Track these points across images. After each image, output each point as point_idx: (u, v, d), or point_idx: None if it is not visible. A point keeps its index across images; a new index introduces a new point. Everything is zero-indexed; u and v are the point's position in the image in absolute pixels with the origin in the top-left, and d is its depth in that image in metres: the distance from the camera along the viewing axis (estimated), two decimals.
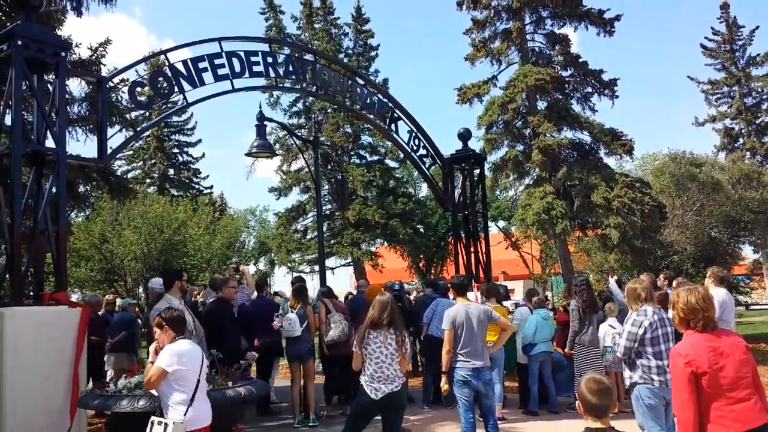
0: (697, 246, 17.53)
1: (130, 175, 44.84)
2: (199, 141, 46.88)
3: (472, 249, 13.40)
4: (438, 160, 13.34)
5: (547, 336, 9.36)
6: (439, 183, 13.61)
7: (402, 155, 27.50)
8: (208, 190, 46.29)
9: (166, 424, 4.40)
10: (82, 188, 11.14)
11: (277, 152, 26.35)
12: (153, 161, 45.15)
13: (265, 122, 12.87)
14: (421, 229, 28.27)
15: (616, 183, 14.94)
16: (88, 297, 11.37)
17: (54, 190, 7.33)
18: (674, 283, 9.55)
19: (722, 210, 18.27)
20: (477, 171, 13.80)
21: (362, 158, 27.51)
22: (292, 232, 27.03)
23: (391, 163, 27.88)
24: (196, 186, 45.66)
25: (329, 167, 26.72)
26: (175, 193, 42.55)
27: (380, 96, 12.51)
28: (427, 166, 13.13)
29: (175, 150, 46.37)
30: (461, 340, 6.37)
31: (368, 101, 12.07)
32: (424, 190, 33.56)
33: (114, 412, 5.25)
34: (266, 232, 42.67)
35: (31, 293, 7.09)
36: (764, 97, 33.15)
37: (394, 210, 25.16)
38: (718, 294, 8.43)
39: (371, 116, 12.31)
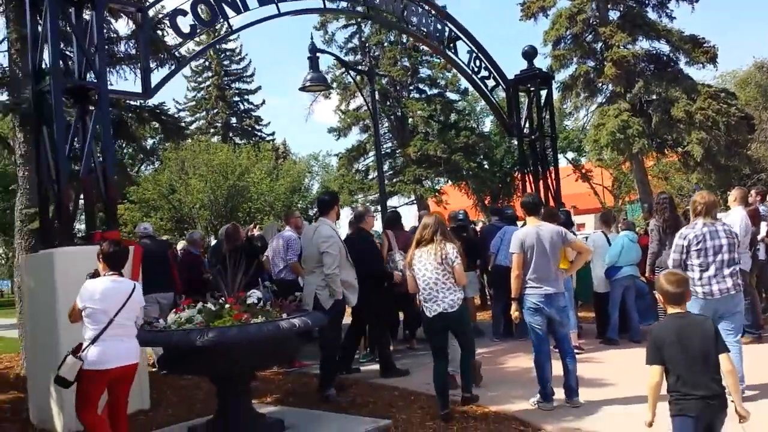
0: None
1: (194, 126, 45.45)
2: (259, 88, 46.89)
3: (540, 178, 12.64)
4: (501, 82, 12.49)
5: (634, 259, 8.66)
6: (504, 107, 12.79)
7: (463, 85, 26.68)
8: (271, 137, 46.41)
9: (64, 360, 4.39)
10: (133, 128, 10.92)
11: (334, 90, 25.89)
12: (215, 110, 45.57)
13: (318, 54, 12.29)
14: (486, 164, 27.43)
15: (699, 95, 13.67)
16: (188, 235, 11.21)
17: (98, 127, 7.05)
18: None
19: None
20: (544, 92, 12.86)
21: (422, 92, 26.69)
22: (354, 172, 26.68)
23: (453, 96, 26.93)
24: (258, 133, 45.84)
25: (388, 104, 26.06)
26: (238, 141, 42.84)
27: (437, 16, 11.68)
28: (489, 88, 12.32)
29: (236, 98, 46.70)
30: (531, 264, 5.80)
31: (423, 21, 11.29)
32: (487, 124, 32.48)
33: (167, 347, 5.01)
34: (330, 176, 42.54)
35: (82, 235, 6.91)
36: None
37: (457, 144, 24.40)
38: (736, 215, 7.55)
39: (426, 36, 11.52)
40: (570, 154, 36.35)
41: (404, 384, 6.86)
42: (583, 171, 32.82)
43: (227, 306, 5.00)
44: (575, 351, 7.94)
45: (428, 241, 5.58)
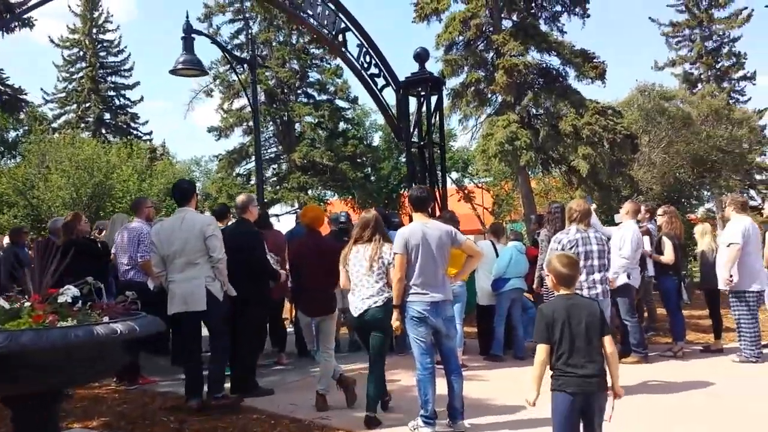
0: (663, 186, 16.60)
1: (62, 119, 42.26)
2: (137, 83, 44.17)
3: (427, 184, 12.08)
4: (392, 83, 11.82)
5: (522, 271, 8.14)
6: (394, 112, 12.15)
7: (353, 93, 26.07)
8: (148, 137, 43.85)
9: None
10: None
11: (216, 88, 24.39)
12: (87, 104, 42.61)
13: (194, 36, 11.11)
14: (373, 177, 26.86)
15: (587, 110, 13.71)
16: (50, 222, 9.36)
17: None
18: (660, 211, 8.43)
19: (690, 148, 17.36)
20: (435, 97, 12.35)
21: (310, 97, 25.80)
22: (234, 176, 25.25)
23: (342, 104, 26.21)
24: (134, 131, 43.09)
25: (274, 106, 24.97)
26: (112, 139, 40.13)
27: (327, 3, 10.85)
28: (379, 88, 11.61)
29: (111, 93, 43.88)
30: (416, 266, 5.04)
31: (318, 11, 10.43)
32: (376, 140, 32.01)
33: None
34: (211, 181, 40.66)
35: None
36: (725, 40, 32.42)
37: (344, 153, 23.72)
38: (742, 222, 7.44)
39: (314, 23, 10.66)
40: (454, 174, 36.60)
41: (265, 405, 5.85)
42: (466, 192, 33.13)
43: (28, 305, 3.84)
44: None
45: (367, 239, 5.36)
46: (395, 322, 5.12)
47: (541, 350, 3.46)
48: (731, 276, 7.33)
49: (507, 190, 29.58)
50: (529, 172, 15.60)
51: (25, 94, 17.08)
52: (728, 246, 7.39)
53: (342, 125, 26.28)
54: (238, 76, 20.79)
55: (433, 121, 12.40)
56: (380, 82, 11.55)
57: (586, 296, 5.06)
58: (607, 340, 3.48)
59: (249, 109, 25.21)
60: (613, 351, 3.52)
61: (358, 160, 24.97)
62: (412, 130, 12.26)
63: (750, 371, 7.03)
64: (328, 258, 5.70)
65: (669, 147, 17.25)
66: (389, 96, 12.12)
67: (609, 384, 3.48)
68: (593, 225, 8.09)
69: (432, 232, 5.11)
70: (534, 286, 7.75)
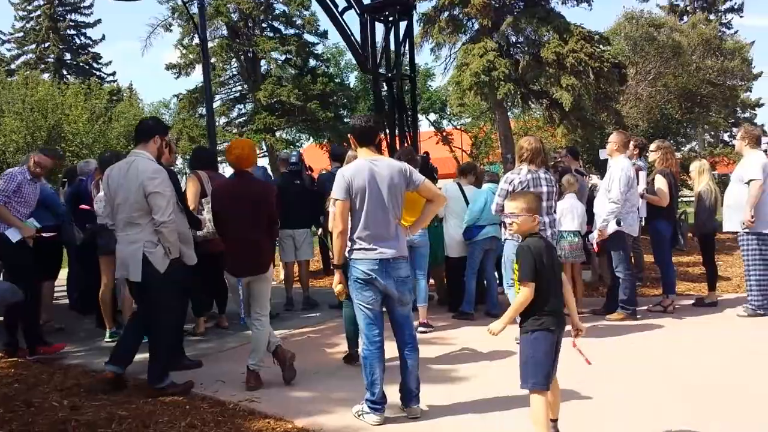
0: (650, 122, 15.51)
1: (21, 60, 40.20)
2: (99, 21, 42.21)
3: (396, 123, 10.94)
4: (354, 5, 10.53)
5: (497, 218, 7.13)
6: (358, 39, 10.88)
7: (322, 27, 24.42)
8: (111, 78, 41.99)
9: None
10: None
11: (175, 22, 22.71)
12: (46, 44, 40.61)
13: None
14: (346, 118, 25.49)
15: (571, 35, 12.43)
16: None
17: None
18: (653, 147, 7.40)
19: (678, 81, 16.24)
20: (404, 23, 11.08)
21: (276, 31, 24.13)
22: (197, 117, 23.79)
23: (311, 38, 24.60)
24: (97, 72, 41.28)
25: (237, 41, 23.32)
26: (73, 80, 38.33)
27: None
28: (340, 10, 10.33)
29: (71, 31, 41.90)
30: (362, 215, 3.99)
31: None
32: (353, 81, 30.36)
33: None
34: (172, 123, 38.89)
35: None
36: None
37: (313, 91, 22.25)
38: (760, 157, 6.52)
39: None
40: (432, 116, 35.26)
41: (183, 378, 4.83)
42: (444, 134, 31.85)
43: None
44: (423, 329, 6.40)
45: None
46: (336, 286, 4.10)
47: (528, 289, 3.35)
48: (752, 216, 6.41)
49: (485, 131, 28.41)
50: (508, 107, 14.40)
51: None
52: (748, 183, 6.45)
53: (312, 62, 24.70)
54: (185, 6, 19.07)
55: (402, 50, 11.20)
56: (341, 3, 10.27)
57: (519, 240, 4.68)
58: (564, 277, 3.58)
59: (211, 44, 23.64)
60: (569, 287, 3.65)
61: (330, 100, 23.54)
62: (379, 60, 11.06)
63: (759, 327, 6.16)
64: (256, 204, 4.62)
65: (657, 80, 16.09)
66: (353, 22, 10.85)
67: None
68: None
69: (382, 171, 4.03)
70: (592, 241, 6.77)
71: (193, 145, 24.42)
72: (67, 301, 8.29)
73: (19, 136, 22.82)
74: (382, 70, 11.16)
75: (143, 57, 70.85)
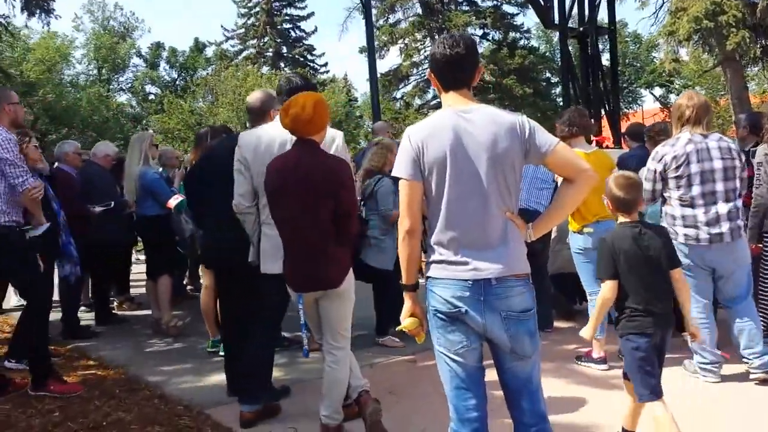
0: None
1: (243, 55, 43.02)
2: (312, 14, 43.79)
3: (590, 85, 8.84)
4: None
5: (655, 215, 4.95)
6: None
7: None
8: (324, 69, 43.43)
9: None
10: None
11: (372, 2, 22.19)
12: (265, 39, 43.22)
13: None
14: (552, 93, 23.13)
15: None
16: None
17: None
18: None
19: None
20: None
21: (473, 5, 22.48)
22: (391, 100, 23.04)
23: (510, 9, 22.57)
24: (311, 63, 43.03)
25: (434, 18, 22.09)
26: (289, 72, 40.31)
27: None
28: None
29: (287, 25, 44.10)
30: (441, 206, 2.36)
31: None
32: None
33: None
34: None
35: None
36: None
37: (510, 65, 20.30)
38: None
39: None
40: (657, 91, 31.21)
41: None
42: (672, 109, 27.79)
43: None
44: (599, 365, 4.51)
45: None
46: (405, 320, 2.49)
47: (607, 287, 3.03)
48: None
49: (722, 105, 24.16)
50: (744, 63, 11.22)
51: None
52: None
53: (512, 35, 22.69)
54: None
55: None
56: None
57: (704, 237, 3.95)
58: (677, 273, 3.07)
59: (404, 24, 22.73)
60: (685, 284, 3.14)
61: (531, 75, 21.41)
62: (568, 12, 9.01)
63: None
64: (318, 189, 3.16)
65: None
66: None
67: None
68: None
69: (477, 129, 2.34)
70: (752, 244, 4.47)
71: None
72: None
73: (233, 125, 24.13)
74: (572, 25, 9.12)
75: (340, 41, 73.11)
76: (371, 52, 10.10)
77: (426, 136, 2.38)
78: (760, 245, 4.42)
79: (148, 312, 6.37)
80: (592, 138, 5.51)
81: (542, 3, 8.65)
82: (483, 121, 2.37)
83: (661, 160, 4.02)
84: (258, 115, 3.95)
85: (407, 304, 2.50)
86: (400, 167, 2.41)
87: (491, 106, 2.51)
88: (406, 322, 2.48)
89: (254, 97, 4.09)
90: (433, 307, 2.40)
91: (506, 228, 2.37)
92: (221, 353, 5.01)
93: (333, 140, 3.51)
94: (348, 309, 3.37)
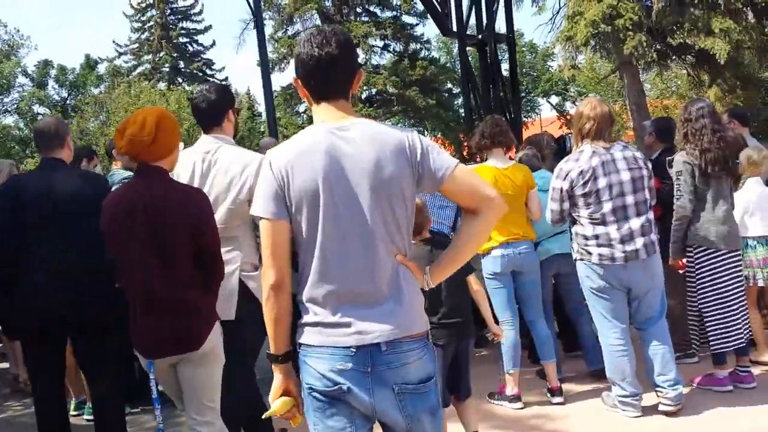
0: None
1: (138, 71, 41.19)
2: (209, 27, 42.63)
3: (491, 96, 8.59)
4: None
5: (558, 228, 4.56)
6: None
7: (420, 6, 22.20)
8: (225, 84, 42.20)
9: None
10: None
11: (266, 14, 21.51)
12: (160, 53, 41.65)
13: None
14: (456, 104, 23.13)
15: None
16: None
17: None
18: None
19: None
20: None
21: (372, 15, 22.23)
22: (292, 115, 22.43)
23: (410, 20, 22.44)
24: (210, 78, 41.86)
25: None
26: (188, 88, 39.23)
27: None
28: None
29: (184, 39, 42.69)
30: (314, 250, 1.82)
31: None
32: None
33: None
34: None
35: None
36: None
37: (411, 77, 20.13)
38: None
39: None
40: (554, 99, 32.11)
41: None
42: (569, 117, 28.51)
43: None
44: (513, 403, 4.10)
45: None
46: (275, 401, 1.92)
47: None
48: None
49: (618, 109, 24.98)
50: (640, 67, 11.34)
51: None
52: None
53: (413, 46, 22.57)
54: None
55: (495, 5, 8.82)
56: None
57: (619, 257, 3.59)
58: (471, 278, 3.25)
59: (303, 36, 22.18)
60: (479, 287, 3.33)
61: (433, 86, 21.34)
62: (466, 19, 8.75)
63: None
64: (174, 227, 2.53)
65: None
66: None
67: None
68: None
69: (356, 151, 1.82)
70: (670, 259, 4.16)
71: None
72: None
73: None
74: (472, 33, 8.85)
75: (238, 54, 71.56)
76: (264, 65, 9.51)
77: (291, 161, 1.83)
78: (684, 260, 4.13)
79: (5, 366, 5.55)
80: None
81: (440, 10, 8.31)
82: (363, 140, 1.84)
83: (566, 177, 3.68)
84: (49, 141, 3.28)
85: (276, 380, 1.92)
86: (258, 203, 1.84)
87: (374, 122, 1.98)
88: (275, 404, 1.91)
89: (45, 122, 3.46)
90: (307, 384, 1.85)
91: (398, 276, 1.85)
92: (87, 416, 4.34)
93: (244, 168, 2.95)
94: (216, 373, 2.74)
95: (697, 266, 4.02)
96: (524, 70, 28.10)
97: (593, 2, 9.69)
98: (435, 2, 8.42)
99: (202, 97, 3.09)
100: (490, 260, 4.08)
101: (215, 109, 3.09)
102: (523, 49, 28.60)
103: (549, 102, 31.82)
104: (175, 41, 41.92)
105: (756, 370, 4.19)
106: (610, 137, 3.78)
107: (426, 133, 23.42)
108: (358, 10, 21.98)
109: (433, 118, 21.24)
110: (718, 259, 3.98)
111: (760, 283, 4.36)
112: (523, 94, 26.61)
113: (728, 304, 3.97)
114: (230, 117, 3.15)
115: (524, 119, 24.94)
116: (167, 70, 41.47)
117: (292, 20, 22.08)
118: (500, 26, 9.17)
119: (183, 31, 42.44)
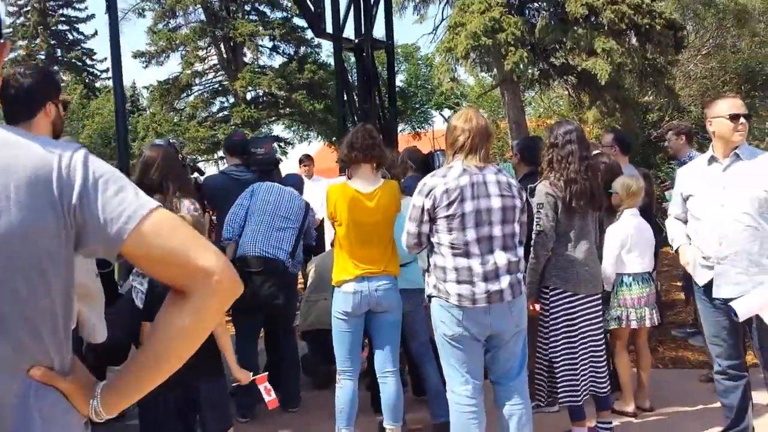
0: (704, 107, 12.17)
1: (11, 57, 38.09)
2: (92, 16, 40.29)
3: (371, 107, 7.99)
4: None
5: (413, 257, 3.97)
6: None
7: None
8: (106, 75, 39.95)
9: None
10: None
11: (146, 5, 20.35)
12: (36, 40, 38.94)
13: None
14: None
15: None
16: None
17: None
18: None
19: (740, 57, 12.93)
20: None
21: (262, 15, 21.33)
22: (170, 112, 21.10)
23: (301, 22, 21.65)
24: (90, 69, 39.62)
25: (218, 26, 20.56)
26: (66, 78, 37.01)
27: None
28: None
29: (63, 26, 40.19)
30: None
31: None
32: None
33: None
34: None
35: None
36: None
37: (299, 80, 19.38)
38: None
39: None
40: (447, 112, 32.28)
41: None
42: None
43: None
44: None
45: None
46: None
47: None
48: None
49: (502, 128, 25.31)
50: (522, 85, 11.15)
51: None
52: None
53: (303, 49, 21.83)
54: None
55: (375, 10, 8.25)
56: None
57: (481, 296, 2.99)
58: None
59: (185, 30, 20.92)
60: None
61: (322, 91, 20.66)
62: (342, 21, 8.09)
63: None
64: None
65: (713, 54, 12.79)
66: None
67: None
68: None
69: None
70: (530, 303, 3.59)
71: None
72: None
73: None
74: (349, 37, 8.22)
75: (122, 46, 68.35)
76: (115, 58, 8.42)
77: None
78: (539, 304, 3.60)
79: None
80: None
81: (311, 8, 7.60)
82: None
83: (429, 194, 3.06)
84: None
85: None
86: None
87: (3, 128, 1.20)
88: None
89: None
90: None
91: (25, 407, 1.08)
92: None
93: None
94: None
95: (551, 310, 3.52)
96: (419, 82, 28.05)
97: (475, 14, 9.31)
98: (308, 1, 7.70)
99: (13, 80, 2.36)
100: (341, 296, 3.43)
101: (29, 96, 2.39)
102: (419, 62, 28.57)
103: (441, 114, 31.99)
104: (53, 28, 39.42)
105: (615, 422, 3.77)
106: (487, 155, 3.21)
107: (312, 140, 22.70)
108: (247, 8, 20.99)
109: (320, 124, 20.55)
110: (575, 303, 3.50)
111: (633, 325, 3.94)
112: (417, 106, 26.45)
113: (576, 355, 3.52)
114: (49, 111, 2.42)
115: (419, 130, 24.74)
116: (43, 57, 38.80)
117: (174, 13, 20.79)
118: (380, 33, 8.67)
119: (63, 18, 39.95)
